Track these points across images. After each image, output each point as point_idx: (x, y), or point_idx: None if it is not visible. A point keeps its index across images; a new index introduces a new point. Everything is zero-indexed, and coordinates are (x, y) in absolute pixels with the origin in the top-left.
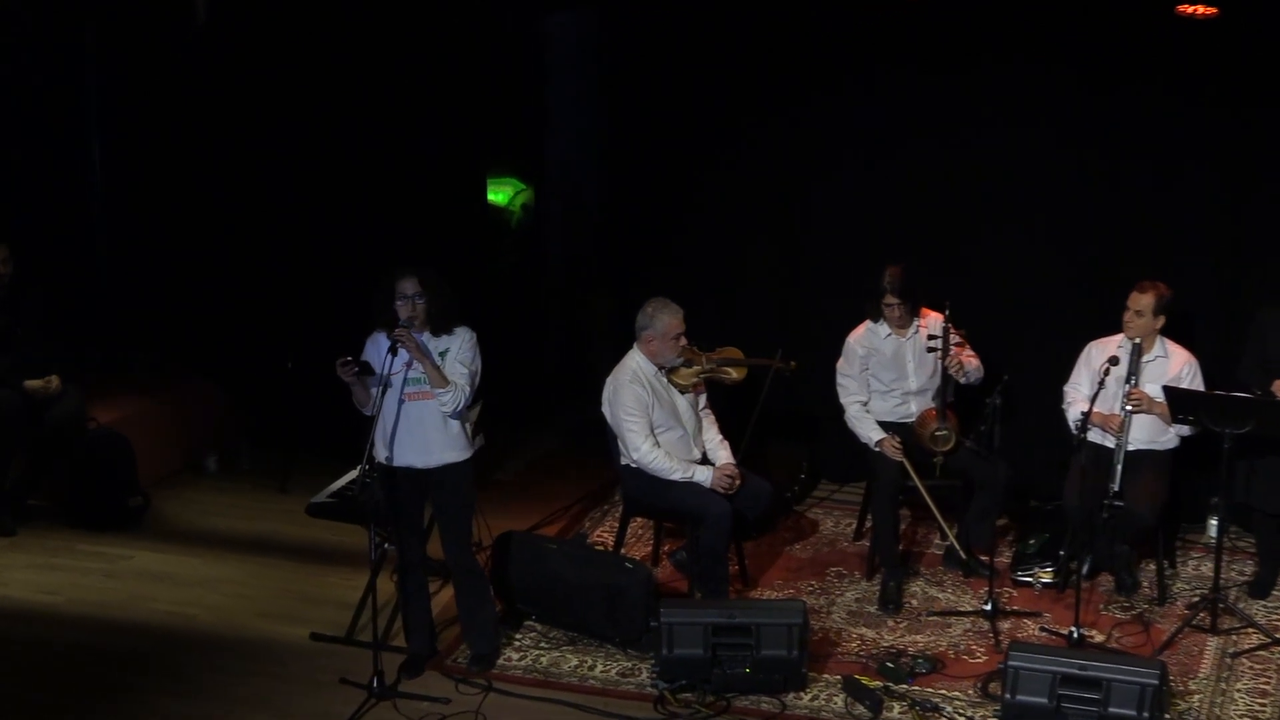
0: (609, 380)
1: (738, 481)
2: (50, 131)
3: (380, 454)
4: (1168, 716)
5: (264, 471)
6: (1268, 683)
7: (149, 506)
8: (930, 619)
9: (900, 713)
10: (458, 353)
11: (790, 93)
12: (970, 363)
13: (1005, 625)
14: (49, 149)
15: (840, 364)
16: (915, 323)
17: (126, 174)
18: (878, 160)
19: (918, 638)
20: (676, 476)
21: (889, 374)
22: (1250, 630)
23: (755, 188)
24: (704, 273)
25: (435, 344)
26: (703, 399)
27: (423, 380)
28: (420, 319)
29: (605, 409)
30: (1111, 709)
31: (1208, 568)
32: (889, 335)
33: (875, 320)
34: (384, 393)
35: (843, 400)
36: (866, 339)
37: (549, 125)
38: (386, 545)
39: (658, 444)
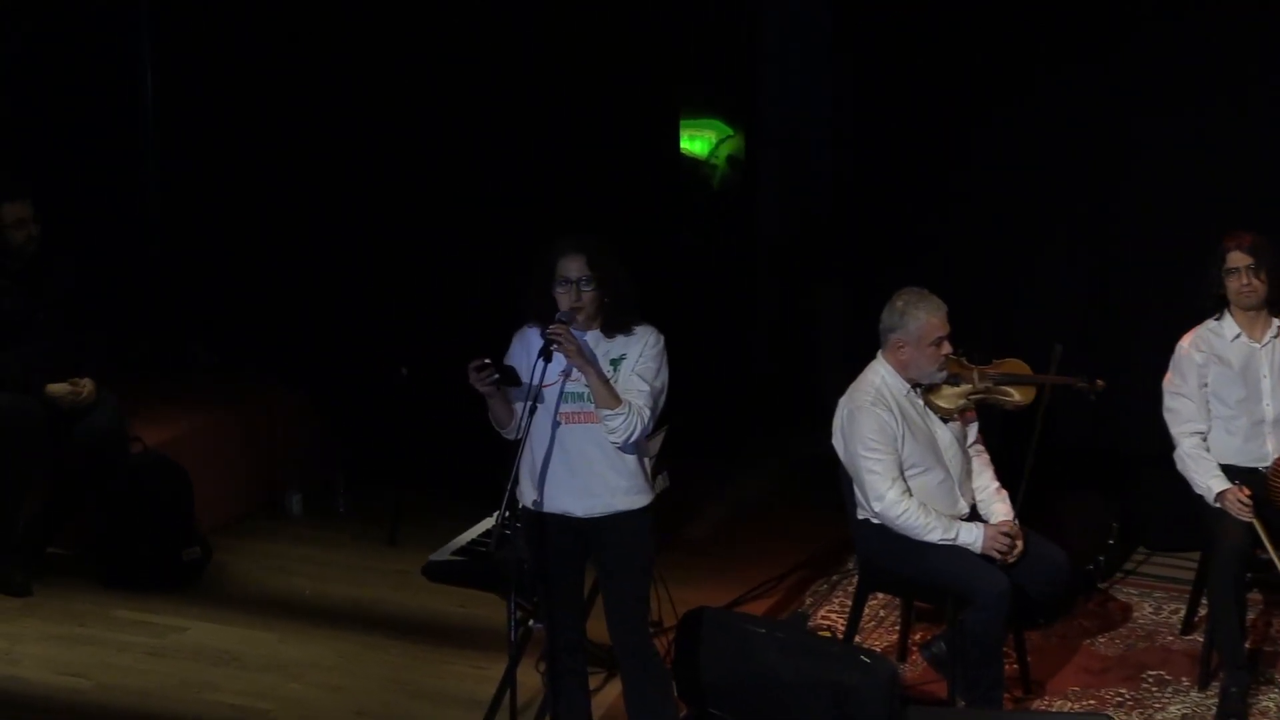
0: (842, 401)
1: (1019, 546)
2: (99, 72)
3: (526, 496)
4: None
5: (366, 516)
6: None
7: (209, 560)
8: None
9: None
10: (637, 362)
11: (1098, 35)
12: None
13: None
14: (96, 92)
15: (1169, 380)
16: (1276, 324)
17: (187, 122)
18: (1213, 117)
19: None
20: (935, 537)
21: (1235, 392)
22: None
23: (1046, 148)
24: (970, 256)
25: (606, 347)
26: (973, 430)
27: (585, 396)
28: (587, 312)
29: (836, 441)
30: None
31: None
32: (1238, 337)
33: (1217, 317)
34: (532, 411)
35: (1173, 431)
36: (1205, 341)
37: (764, 48)
38: (532, 622)
39: (909, 491)
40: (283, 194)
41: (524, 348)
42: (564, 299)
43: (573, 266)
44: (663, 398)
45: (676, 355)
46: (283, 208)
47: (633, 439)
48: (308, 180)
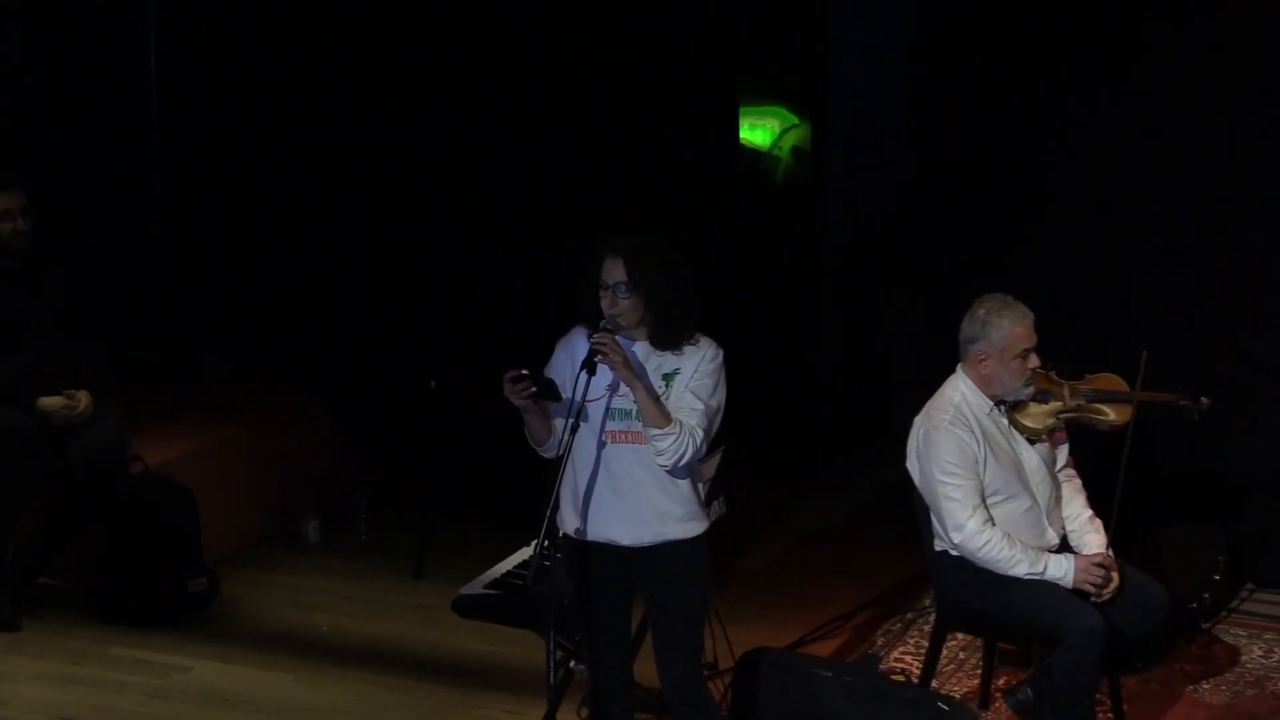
0: (917, 420)
1: (1115, 581)
2: (103, 71)
3: (567, 523)
4: None
5: (390, 545)
6: None
7: (217, 593)
8: None
9: None
10: (691, 377)
11: (1206, 25)
12: None
13: None
14: (100, 91)
15: None
16: None
17: (196, 116)
18: None
19: None
20: (1021, 571)
21: None
22: None
23: (1144, 145)
24: (1060, 261)
25: (659, 361)
26: (1063, 452)
27: (633, 414)
28: (627, 321)
29: (911, 463)
30: None
31: None
32: None
33: None
34: (575, 429)
35: None
36: None
37: (832, 28)
38: (573, 663)
39: (991, 520)
40: (303, 189)
41: (568, 356)
42: (606, 303)
43: (611, 270)
44: (719, 417)
45: (735, 367)
46: (304, 203)
47: (684, 461)
48: (329, 173)
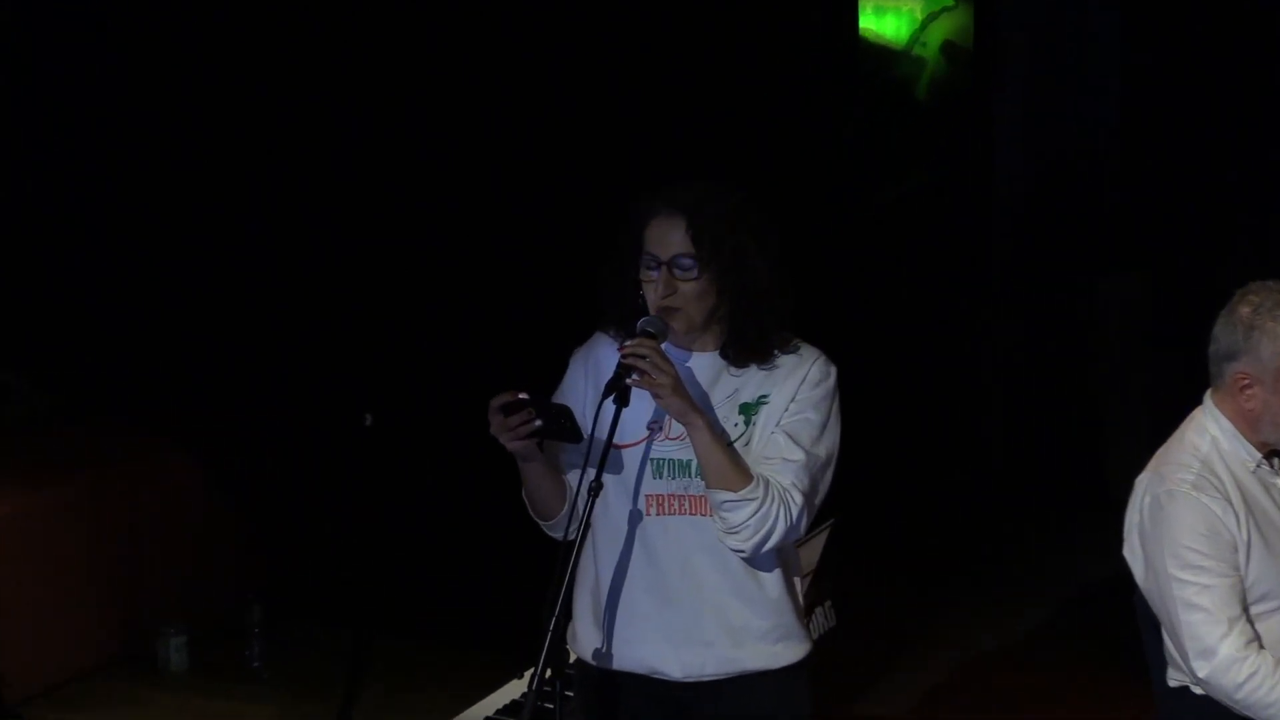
0: (1142, 482)
1: None
2: None
3: (584, 642)
4: None
5: (298, 675)
6: None
7: None
8: None
9: None
10: (787, 409)
11: None
12: None
13: None
14: None
15: None
16: None
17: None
18: None
19: None
20: None
21: None
22: None
23: None
24: None
25: (733, 383)
26: None
27: (689, 468)
28: (688, 317)
29: (1131, 550)
30: None
31: None
32: None
33: None
34: (597, 490)
35: None
36: None
37: None
38: None
39: (1258, 639)
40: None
41: (589, 375)
42: (651, 291)
43: (663, 237)
44: (829, 474)
45: (851, 397)
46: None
47: (771, 544)
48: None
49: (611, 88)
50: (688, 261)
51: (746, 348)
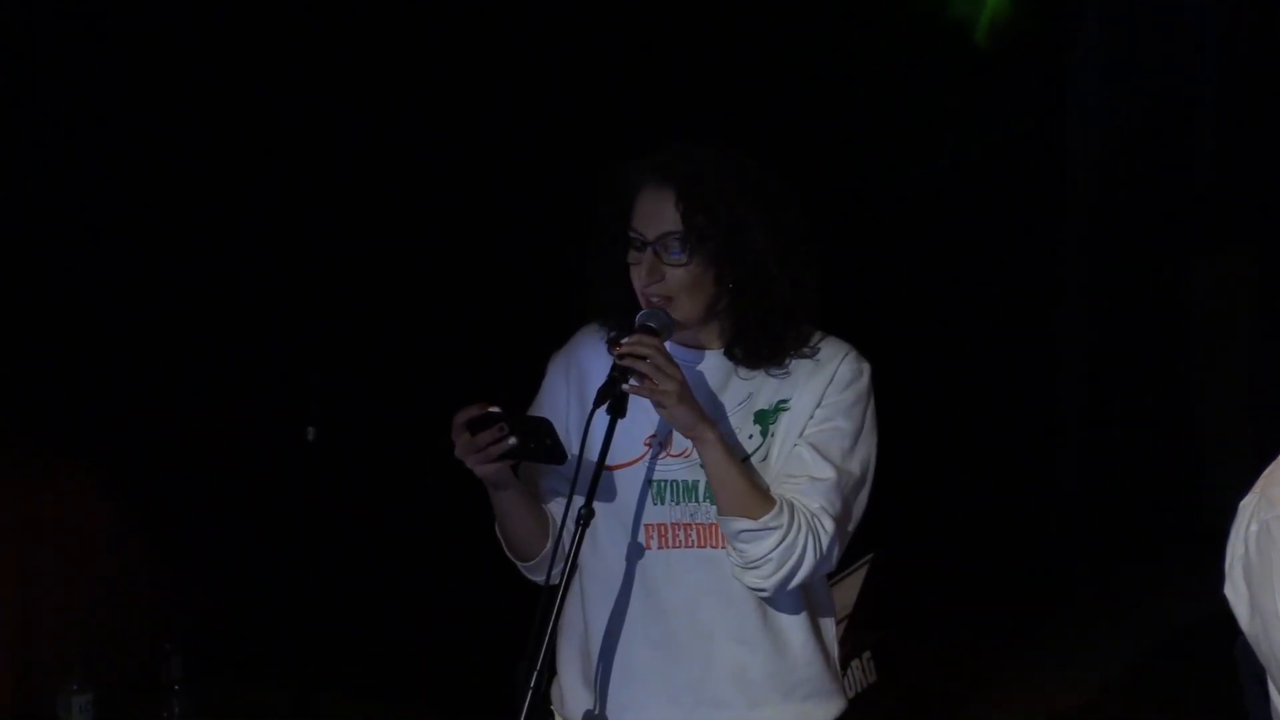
0: (1246, 507)
1: None
2: None
3: (571, 704)
4: None
5: None
6: None
7: None
8: None
9: None
10: (812, 417)
11: None
12: None
13: None
14: None
15: None
16: None
17: None
18: None
19: None
20: None
21: None
22: None
23: None
24: None
25: (745, 387)
26: None
27: (697, 489)
28: (688, 310)
29: (1235, 587)
30: None
31: None
32: None
33: None
34: (586, 520)
35: None
36: None
37: None
38: None
39: None
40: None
41: (572, 381)
42: (637, 278)
43: (650, 212)
44: (865, 494)
45: (895, 408)
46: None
47: (797, 579)
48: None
49: (609, 28)
50: (676, 245)
51: (762, 347)
